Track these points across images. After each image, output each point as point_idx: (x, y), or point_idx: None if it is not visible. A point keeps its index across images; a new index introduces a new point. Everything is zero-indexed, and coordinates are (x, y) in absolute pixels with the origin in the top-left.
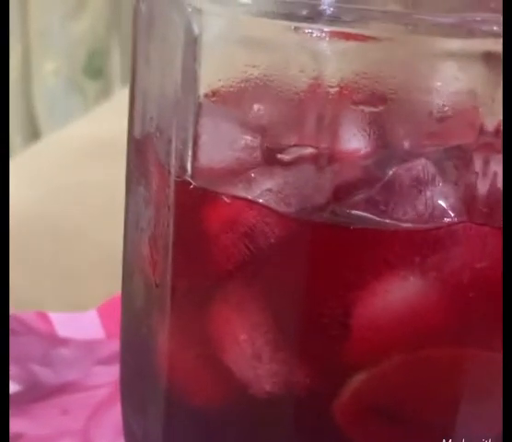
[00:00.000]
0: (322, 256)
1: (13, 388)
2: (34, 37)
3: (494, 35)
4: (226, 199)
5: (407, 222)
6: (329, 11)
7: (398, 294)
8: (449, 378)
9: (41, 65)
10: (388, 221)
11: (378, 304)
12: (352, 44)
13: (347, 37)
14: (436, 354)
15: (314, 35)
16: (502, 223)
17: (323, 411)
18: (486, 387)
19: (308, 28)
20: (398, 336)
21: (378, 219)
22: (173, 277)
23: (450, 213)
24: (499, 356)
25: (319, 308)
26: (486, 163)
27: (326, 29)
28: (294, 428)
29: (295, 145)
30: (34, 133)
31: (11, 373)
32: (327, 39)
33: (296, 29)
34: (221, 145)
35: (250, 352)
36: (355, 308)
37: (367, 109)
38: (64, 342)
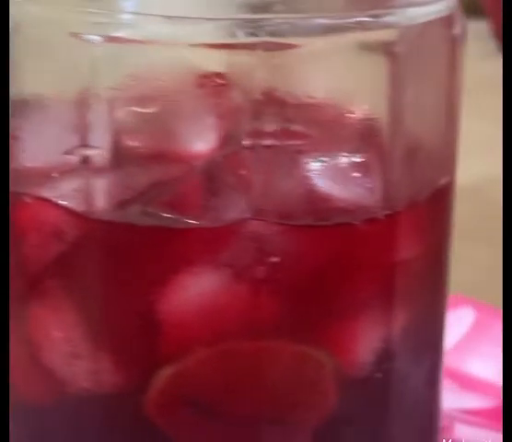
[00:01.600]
0: (124, 255)
1: None
2: None
3: None
4: (31, 200)
5: (199, 220)
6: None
7: (196, 290)
8: (253, 371)
9: None
10: (182, 219)
11: (180, 300)
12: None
13: (119, 41)
14: (236, 347)
15: (88, 39)
16: (291, 220)
17: (137, 406)
18: (293, 379)
19: (83, 33)
20: (200, 331)
21: (173, 218)
22: None
23: (238, 210)
24: (302, 349)
25: (126, 305)
26: (275, 162)
27: (100, 34)
28: (112, 423)
29: (83, 146)
30: None
31: None
32: (100, 43)
33: (74, 34)
34: (29, 146)
35: (67, 350)
36: (159, 304)
37: (141, 110)
38: None
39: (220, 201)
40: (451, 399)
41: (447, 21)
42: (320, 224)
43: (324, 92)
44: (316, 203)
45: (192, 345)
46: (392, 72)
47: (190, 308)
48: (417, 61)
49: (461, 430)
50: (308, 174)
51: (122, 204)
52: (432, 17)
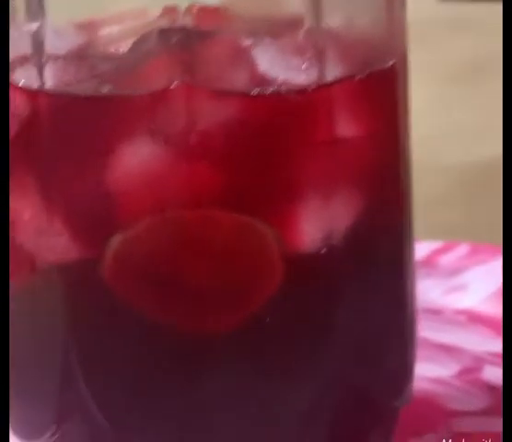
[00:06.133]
0: (71, 128)
1: None
2: None
3: None
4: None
5: (135, 89)
6: None
7: (136, 159)
8: (195, 239)
9: None
10: (119, 89)
11: (123, 170)
12: None
13: None
14: (178, 215)
15: None
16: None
17: (96, 274)
18: (235, 248)
19: None
20: (144, 199)
21: (111, 87)
22: None
23: (171, 78)
24: (242, 218)
25: (77, 177)
26: (210, 34)
27: None
28: (75, 293)
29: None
30: None
31: None
32: None
33: None
34: None
35: (34, 227)
36: (106, 174)
37: None
38: None
39: (154, 69)
40: (483, 343)
41: None
42: (252, 94)
43: None
44: (248, 73)
45: (139, 213)
46: None
47: (133, 177)
48: None
49: (490, 371)
50: (243, 49)
51: (67, 82)
52: None
